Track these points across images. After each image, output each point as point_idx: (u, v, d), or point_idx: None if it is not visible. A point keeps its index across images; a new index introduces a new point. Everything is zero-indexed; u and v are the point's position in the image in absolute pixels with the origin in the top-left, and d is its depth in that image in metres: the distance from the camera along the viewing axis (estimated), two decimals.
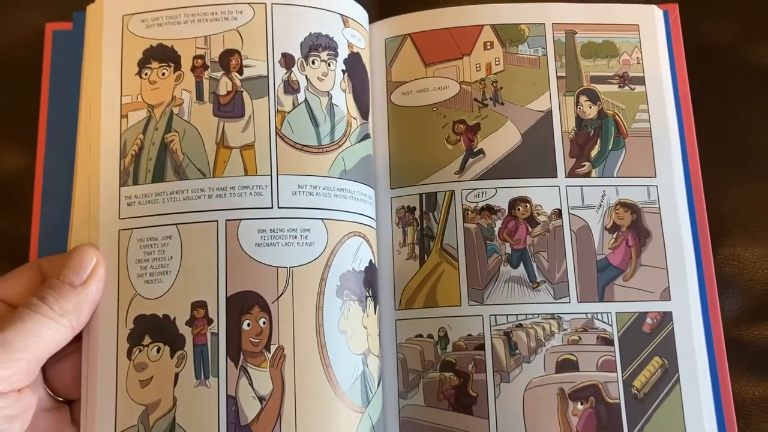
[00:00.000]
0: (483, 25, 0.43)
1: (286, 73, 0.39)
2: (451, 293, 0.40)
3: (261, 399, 0.35)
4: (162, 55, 0.40)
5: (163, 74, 0.39)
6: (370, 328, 0.38)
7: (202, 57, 0.39)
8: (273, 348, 0.36)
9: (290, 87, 0.39)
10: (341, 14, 0.41)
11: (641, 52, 0.43)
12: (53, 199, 0.41)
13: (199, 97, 0.39)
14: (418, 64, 0.43)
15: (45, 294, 0.34)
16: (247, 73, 0.39)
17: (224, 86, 0.39)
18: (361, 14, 0.42)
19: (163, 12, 0.40)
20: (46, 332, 0.33)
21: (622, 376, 0.39)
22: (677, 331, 0.39)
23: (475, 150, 0.41)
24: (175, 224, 0.37)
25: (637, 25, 0.43)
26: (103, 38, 0.40)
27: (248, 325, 0.36)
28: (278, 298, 0.36)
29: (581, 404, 0.38)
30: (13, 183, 0.43)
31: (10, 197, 0.43)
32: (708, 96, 0.45)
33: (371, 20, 0.44)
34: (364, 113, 0.41)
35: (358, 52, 0.42)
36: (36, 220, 0.41)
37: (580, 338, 0.39)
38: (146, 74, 0.39)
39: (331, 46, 0.40)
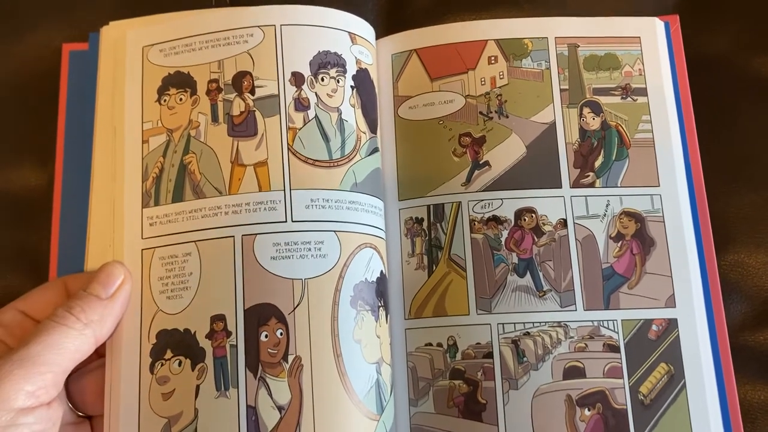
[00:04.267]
0: (487, 40, 0.44)
1: (296, 91, 0.40)
2: (459, 302, 0.41)
3: (280, 408, 0.36)
4: (179, 81, 0.41)
5: (181, 99, 0.41)
6: (383, 338, 0.39)
7: (216, 81, 0.41)
8: (290, 358, 0.37)
9: (301, 104, 0.40)
10: (349, 32, 0.42)
11: (643, 64, 0.44)
12: (71, 214, 0.42)
13: (215, 118, 0.40)
14: (424, 78, 0.44)
15: (72, 304, 0.35)
16: (259, 93, 0.40)
17: (237, 107, 0.40)
18: (368, 31, 0.43)
19: (180, 41, 0.42)
20: (71, 344, 0.34)
21: (629, 383, 0.39)
22: (683, 338, 0.40)
23: (480, 162, 0.42)
24: (194, 241, 0.39)
25: (639, 37, 0.44)
26: (126, 69, 0.42)
27: (266, 336, 0.37)
28: (294, 309, 0.37)
29: (588, 410, 0.39)
30: (33, 199, 0.44)
31: (31, 213, 0.44)
32: (709, 106, 0.45)
33: (378, 36, 0.45)
34: (372, 127, 0.42)
35: (366, 68, 0.43)
36: (55, 234, 0.42)
37: (586, 345, 0.40)
38: (165, 100, 0.41)
39: (339, 63, 0.41)
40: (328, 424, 0.36)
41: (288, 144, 0.39)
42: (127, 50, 0.42)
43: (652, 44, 0.44)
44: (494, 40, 0.44)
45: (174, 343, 0.37)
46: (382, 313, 0.39)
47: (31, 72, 0.47)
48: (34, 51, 0.47)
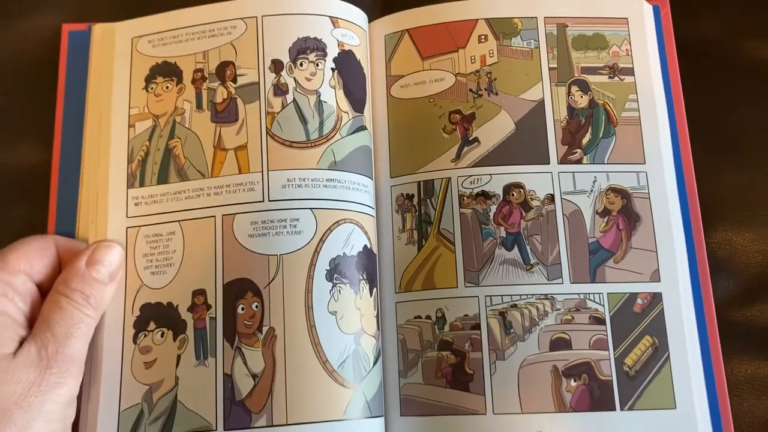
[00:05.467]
0: (477, 19, 0.45)
1: (275, 78, 0.42)
2: (448, 276, 0.41)
3: (254, 376, 0.38)
4: (166, 70, 0.43)
5: (167, 87, 0.43)
6: (364, 310, 0.40)
7: (201, 70, 0.43)
8: (265, 329, 0.39)
9: (279, 90, 0.42)
10: (330, 16, 0.43)
11: (630, 44, 0.45)
12: (68, 192, 0.43)
13: (199, 106, 0.43)
14: (415, 58, 0.45)
15: (87, 292, 0.37)
16: (241, 81, 0.43)
17: (220, 95, 0.43)
18: (355, 14, 0.45)
19: (167, 32, 0.44)
20: (91, 332, 0.37)
21: (614, 354, 0.40)
22: (667, 312, 0.41)
23: (470, 138, 0.43)
24: (178, 221, 0.41)
25: (626, 18, 0.45)
26: (114, 58, 0.44)
27: (242, 309, 0.39)
28: (269, 283, 0.39)
29: (574, 381, 0.40)
30: (32, 175, 0.45)
31: (30, 188, 0.45)
32: (700, 88, 0.46)
33: (374, 18, 0.46)
34: (357, 107, 0.43)
35: (350, 50, 0.44)
36: (52, 211, 0.43)
37: (573, 318, 0.40)
38: (152, 88, 0.43)
39: (319, 47, 0.43)
40: (299, 390, 0.38)
41: (267, 128, 0.41)
42: (117, 40, 0.44)
43: (639, 25, 0.45)
44: (484, 19, 0.45)
45: (157, 316, 0.40)
46: (363, 286, 0.40)
47: (33, 52, 0.48)
48: (35, 32, 0.48)
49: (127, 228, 0.41)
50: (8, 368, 0.33)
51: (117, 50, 0.44)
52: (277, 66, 0.42)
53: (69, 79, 0.45)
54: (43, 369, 0.34)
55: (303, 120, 0.42)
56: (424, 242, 0.42)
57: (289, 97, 0.42)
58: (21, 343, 0.35)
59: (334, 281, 0.40)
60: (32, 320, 0.37)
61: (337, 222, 0.40)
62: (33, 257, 0.38)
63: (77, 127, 0.44)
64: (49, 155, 0.44)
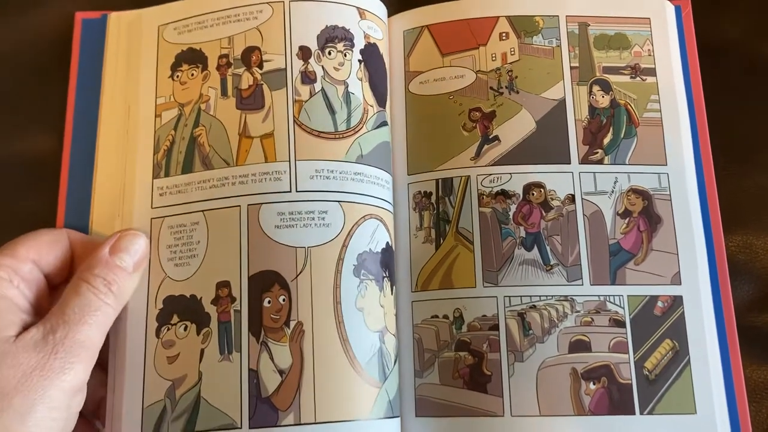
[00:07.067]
0: (499, 17, 0.44)
1: (303, 65, 0.41)
2: (466, 275, 0.41)
3: (281, 372, 0.37)
4: (191, 57, 0.42)
5: (192, 75, 0.42)
6: (387, 308, 0.40)
7: (226, 56, 0.42)
8: (292, 324, 0.37)
9: (307, 77, 0.41)
10: (357, 7, 0.43)
11: (652, 45, 0.44)
12: (79, 181, 0.42)
13: (224, 92, 0.41)
14: (435, 54, 0.44)
15: (109, 279, 0.36)
16: (267, 67, 0.41)
17: (246, 81, 0.41)
18: (378, 7, 0.44)
19: (193, 19, 0.43)
20: (109, 321, 0.36)
21: (634, 358, 0.39)
22: (687, 315, 0.40)
23: (490, 137, 0.43)
24: (202, 211, 0.39)
25: (648, 18, 0.45)
26: (141, 48, 0.43)
27: (269, 302, 0.37)
28: (297, 276, 0.38)
29: (593, 384, 0.39)
30: (44, 165, 0.45)
31: (41, 178, 0.44)
32: (721, 89, 0.45)
33: (392, 13, 0.45)
34: (380, 101, 0.42)
35: (374, 43, 0.43)
36: (62, 200, 0.42)
37: (592, 320, 0.40)
38: (178, 76, 0.42)
39: (347, 38, 0.42)
40: (328, 387, 0.36)
41: (294, 116, 0.40)
42: (143, 30, 0.43)
43: (661, 25, 0.45)
44: (506, 16, 0.44)
45: (180, 309, 0.38)
46: (386, 283, 0.40)
47: (47, 41, 0.47)
48: (50, 20, 0.48)
49: (152, 219, 0.40)
50: (8, 351, 0.32)
51: (144, 39, 0.43)
52: (305, 53, 0.41)
53: (82, 68, 0.45)
54: (48, 353, 0.32)
55: (331, 110, 0.41)
56: (441, 241, 0.42)
57: (317, 86, 0.41)
58: (27, 329, 0.34)
59: (361, 277, 0.39)
60: (38, 308, 0.36)
61: (364, 217, 0.39)
62: (43, 248, 0.37)
63: (90, 118, 0.43)
64: (59, 144, 0.43)
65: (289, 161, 0.39)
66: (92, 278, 0.35)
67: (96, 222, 0.41)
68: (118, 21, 0.44)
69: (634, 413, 0.39)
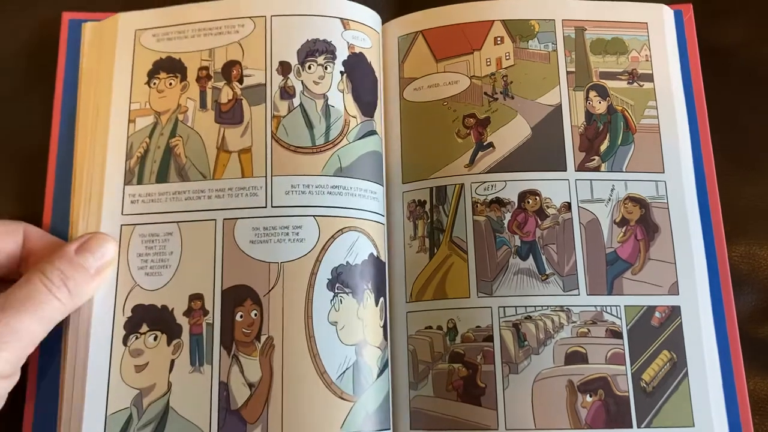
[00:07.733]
0: (493, 21, 0.44)
1: (282, 80, 0.41)
2: (460, 285, 0.40)
3: (251, 386, 0.37)
4: (170, 66, 0.42)
5: (171, 84, 0.42)
6: (367, 320, 0.39)
7: (206, 68, 0.42)
8: (263, 338, 0.38)
9: (286, 93, 0.41)
10: (341, 18, 0.42)
11: (650, 50, 0.44)
12: (65, 181, 0.42)
13: (203, 105, 0.42)
14: (429, 59, 0.44)
15: (67, 274, 0.36)
16: (247, 82, 0.42)
17: (225, 95, 0.42)
18: (366, 15, 0.43)
19: (173, 27, 0.43)
20: (55, 315, 0.35)
21: (631, 369, 0.39)
22: (685, 326, 0.39)
23: (485, 143, 0.42)
24: (176, 222, 0.40)
25: (646, 23, 0.44)
26: (116, 50, 0.43)
27: (241, 316, 0.38)
28: (269, 291, 0.38)
29: (590, 396, 0.38)
30: (30, 166, 0.44)
31: (29, 179, 0.43)
32: (724, 94, 0.45)
33: (388, 20, 0.45)
34: (366, 111, 0.42)
35: (360, 52, 0.42)
36: (49, 200, 0.42)
37: (589, 331, 0.39)
38: (155, 84, 0.42)
39: (328, 50, 0.42)
40: (296, 401, 0.37)
41: (272, 131, 0.40)
42: (119, 32, 0.43)
43: (659, 30, 0.44)
44: (501, 20, 0.44)
45: (150, 319, 0.39)
46: (368, 295, 0.39)
47: (37, 41, 0.46)
48: (38, 22, 0.47)
49: (122, 225, 0.40)
50: None
51: (119, 42, 0.43)
52: (284, 68, 0.41)
53: (68, 68, 0.44)
54: None
55: (309, 125, 0.41)
56: (435, 250, 0.41)
57: (296, 101, 0.41)
58: None
59: (336, 291, 0.39)
60: None
61: (341, 230, 0.39)
62: None
63: (73, 119, 0.43)
64: (47, 147, 0.43)
65: (266, 177, 0.40)
66: (49, 270, 0.35)
67: (74, 224, 0.41)
68: (91, 24, 0.44)
69: (631, 426, 0.38)
